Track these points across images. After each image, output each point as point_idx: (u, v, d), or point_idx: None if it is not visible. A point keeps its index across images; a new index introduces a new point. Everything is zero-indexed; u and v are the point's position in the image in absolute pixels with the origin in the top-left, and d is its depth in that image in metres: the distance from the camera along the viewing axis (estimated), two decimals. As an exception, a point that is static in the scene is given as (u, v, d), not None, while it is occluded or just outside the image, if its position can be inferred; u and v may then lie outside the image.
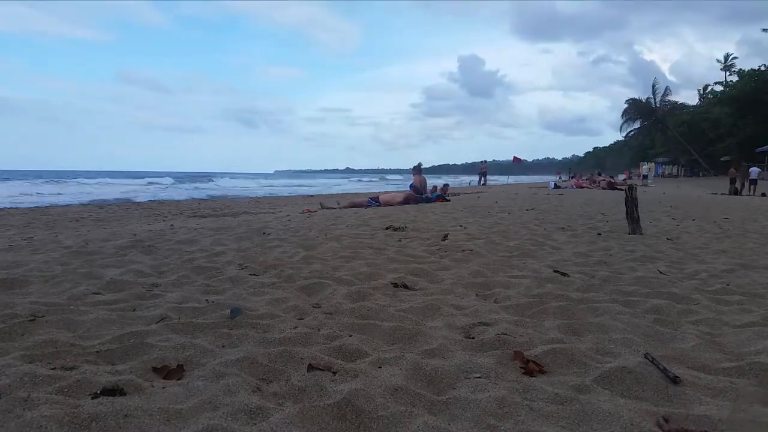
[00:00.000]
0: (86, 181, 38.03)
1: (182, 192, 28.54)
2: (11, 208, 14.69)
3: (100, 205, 16.40)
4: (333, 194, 24.82)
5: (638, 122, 61.66)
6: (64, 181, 36.22)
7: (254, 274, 3.70)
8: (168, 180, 43.73)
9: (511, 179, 48.60)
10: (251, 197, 23.19)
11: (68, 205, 16.94)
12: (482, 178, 34.10)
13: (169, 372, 1.93)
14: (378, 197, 12.55)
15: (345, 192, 29.30)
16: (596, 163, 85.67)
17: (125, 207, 14.92)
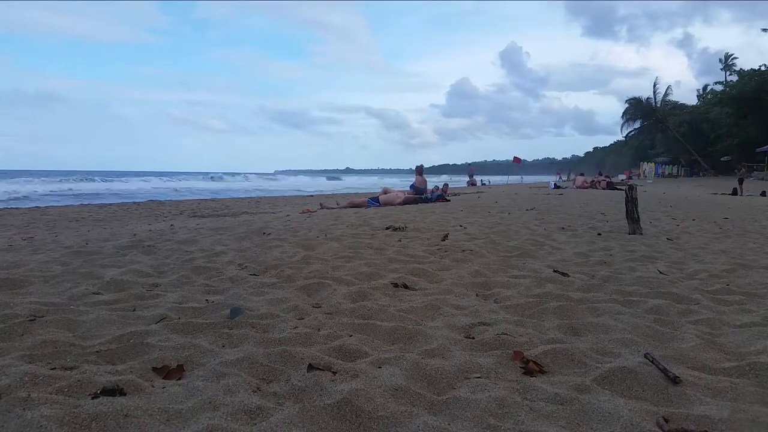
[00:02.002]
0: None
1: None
2: (11, 208, 14.70)
3: (100, 205, 16.41)
4: (333, 194, 24.83)
5: (638, 122, 61.70)
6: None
7: (254, 274, 3.70)
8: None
9: (511, 179, 48.86)
10: (251, 197, 23.19)
11: (68, 204, 16.95)
12: (471, 178, 37.48)
13: (169, 372, 1.93)
14: (378, 197, 12.53)
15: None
16: (596, 163, 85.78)
17: (125, 207, 14.92)
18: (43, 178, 37.97)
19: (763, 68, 50.00)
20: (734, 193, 22.31)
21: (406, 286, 3.40)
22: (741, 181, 24.30)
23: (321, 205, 12.80)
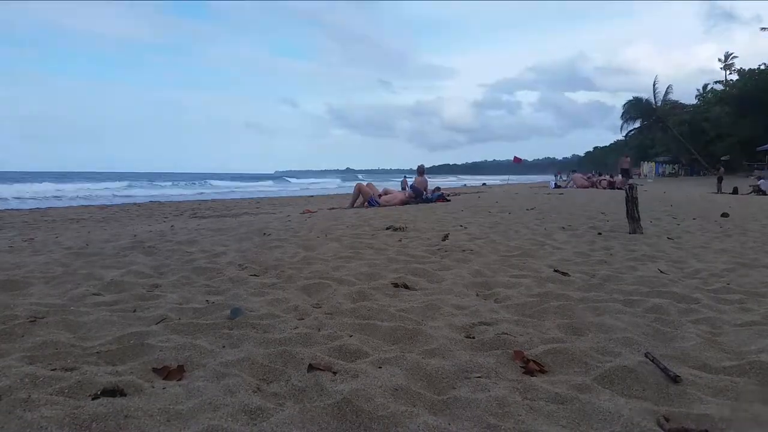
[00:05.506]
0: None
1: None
2: (12, 209, 14.71)
3: (101, 206, 16.42)
4: (331, 195, 24.82)
5: (638, 122, 61.62)
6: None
7: (255, 275, 3.70)
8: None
9: (511, 179, 48.92)
10: (251, 198, 23.20)
11: (68, 206, 16.96)
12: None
13: (170, 372, 1.93)
14: (379, 197, 12.52)
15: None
16: (597, 163, 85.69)
17: (126, 208, 14.93)
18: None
19: (763, 67, 50.01)
20: (734, 192, 22.33)
21: (406, 286, 3.40)
22: (720, 180, 24.57)
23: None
